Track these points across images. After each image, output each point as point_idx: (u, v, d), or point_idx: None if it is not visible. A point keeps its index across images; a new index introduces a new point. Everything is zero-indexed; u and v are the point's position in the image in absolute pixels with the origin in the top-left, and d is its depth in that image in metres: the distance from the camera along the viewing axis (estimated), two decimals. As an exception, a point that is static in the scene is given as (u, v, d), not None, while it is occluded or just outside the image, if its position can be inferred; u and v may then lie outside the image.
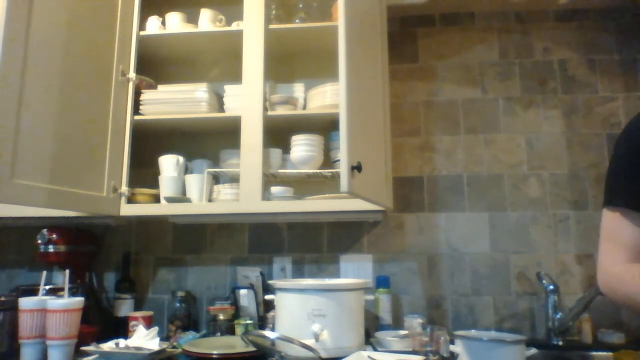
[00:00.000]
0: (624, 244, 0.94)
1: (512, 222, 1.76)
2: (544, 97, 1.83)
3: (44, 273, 1.41)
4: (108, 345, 1.36)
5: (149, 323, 1.56)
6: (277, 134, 1.78)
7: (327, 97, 1.65)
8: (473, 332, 1.29)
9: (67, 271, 1.39)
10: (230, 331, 1.56)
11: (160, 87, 1.74)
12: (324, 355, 1.22)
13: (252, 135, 1.59)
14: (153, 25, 1.80)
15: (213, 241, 1.86)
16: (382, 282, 1.67)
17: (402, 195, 1.81)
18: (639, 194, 0.94)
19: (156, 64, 1.94)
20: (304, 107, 1.73)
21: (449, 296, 1.74)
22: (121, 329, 1.64)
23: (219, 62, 1.95)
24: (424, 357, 1.25)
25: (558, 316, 1.56)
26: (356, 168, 1.13)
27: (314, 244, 1.82)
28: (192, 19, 1.81)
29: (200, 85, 1.71)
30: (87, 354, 1.32)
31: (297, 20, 1.77)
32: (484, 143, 1.82)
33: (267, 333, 1.21)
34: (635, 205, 0.94)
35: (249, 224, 1.85)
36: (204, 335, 1.57)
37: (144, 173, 1.83)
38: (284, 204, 1.56)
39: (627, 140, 0.98)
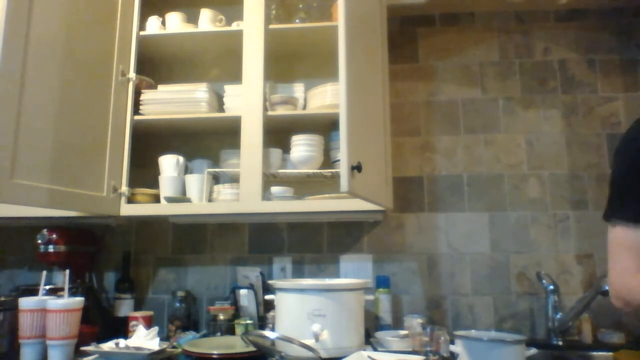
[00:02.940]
0: (633, 256, 0.95)
1: (512, 222, 1.76)
2: (544, 97, 1.83)
3: (44, 273, 1.41)
4: (108, 345, 1.36)
5: (149, 323, 1.56)
6: (277, 134, 1.78)
7: (327, 97, 1.65)
8: (473, 332, 1.29)
9: (67, 271, 1.39)
10: (230, 331, 1.56)
11: (160, 87, 1.74)
12: (324, 355, 1.22)
13: (252, 135, 1.59)
14: (153, 25, 1.80)
15: (213, 241, 1.86)
16: (382, 282, 1.67)
17: (402, 195, 1.81)
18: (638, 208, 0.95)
19: (156, 64, 1.94)
20: (304, 107, 1.73)
21: (449, 296, 1.74)
22: (121, 329, 1.64)
23: (219, 62, 1.95)
24: (424, 357, 1.25)
25: (558, 316, 1.56)
26: (356, 168, 1.13)
27: (314, 244, 1.82)
28: (192, 19, 1.81)
29: (200, 85, 1.71)
30: (87, 354, 1.32)
31: (297, 20, 1.77)
32: (484, 143, 1.82)
33: (267, 333, 1.21)
34: (635, 220, 0.95)
35: (249, 224, 1.85)
36: (204, 335, 1.57)
37: (144, 173, 1.83)
38: (284, 204, 1.56)
39: (626, 154, 0.99)
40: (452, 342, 1.25)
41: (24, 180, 1.21)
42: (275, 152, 1.68)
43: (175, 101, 1.70)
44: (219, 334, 1.55)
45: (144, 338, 1.40)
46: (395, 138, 1.83)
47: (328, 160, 1.73)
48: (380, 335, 1.49)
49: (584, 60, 1.84)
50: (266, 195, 1.63)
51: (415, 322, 1.53)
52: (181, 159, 1.71)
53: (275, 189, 1.64)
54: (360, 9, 1.34)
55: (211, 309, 1.60)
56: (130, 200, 1.63)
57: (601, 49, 1.84)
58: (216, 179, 1.76)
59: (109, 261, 1.87)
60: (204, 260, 1.85)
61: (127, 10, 1.69)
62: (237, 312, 1.64)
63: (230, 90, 1.72)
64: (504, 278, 1.73)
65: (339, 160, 1.59)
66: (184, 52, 1.89)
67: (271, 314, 1.52)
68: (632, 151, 0.98)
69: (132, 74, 1.68)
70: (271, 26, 1.69)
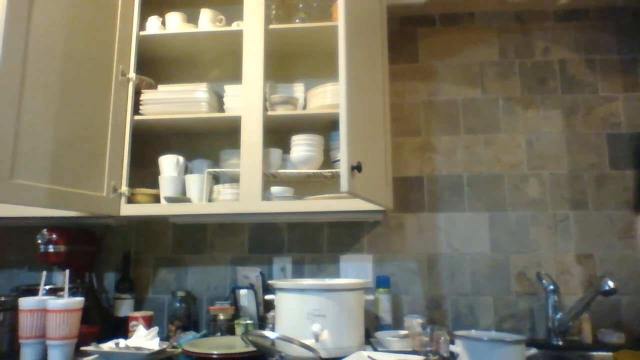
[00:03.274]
0: None
1: (512, 222, 1.76)
2: (544, 97, 1.83)
3: (44, 273, 1.41)
4: (108, 345, 1.36)
5: (149, 323, 1.56)
6: (277, 134, 1.78)
7: (327, 97, 1.65)
8: (473, 332, 1.29)
9: (67, 271, 1.39)
10: (230, 331, 1.56)
11: (160, 87, 1.74)
12: (324, 355, 1.22)
13: (252, 135, 1.59)
14: (153, 25, 1.80)
15: (213, 241, 1.86)
16: (382, 282, 1.67)
17: (402, 195, 1.81)
18: None
19: (156, 64, 1.94)
20: (304, 107, 1.73)
21: (449, 296, 1.74)
22: (121, 329, 1.64)
23: (219, 62, 1.95)
24: (424, 357, 1.25)
25: (558, 316, 1.56)
26: (356, 168, 1.13)
27: (314, 244, 1.82)
28: (192, 19, 1.81)
29: (200, 85, 1.71)
30: (87, 354, 1.32)
31: (297, 20, 1.77)
32: (484, 143, 1.82)
33: (267, 333, 1.22)
34: None
35: (249, 224, 1.85)
36: (204, 335, 1.57)
37: (144, 173, 1.83)
38: (284, 204, 1.56)
39: None
40: (452, 342, 1.25)
41: (24, 180, 1.21)
42: (275, 152, 1.68)
43: (175, 101, 1.70)
44: (219, 334, 1.55)
45: (144, 338, 1.40)
46: (395, 138, 1.83)
47: (328, 160, 1.73)
48: (380, 335, 1.49)
49: (584, 60, 1.84)
50: (266, 195, 1.63)
51: (415, 322, 1.53)
52: (181, 159, 1.71)
53: (275, 189, 1.64)
54: (360, 9, 1.34)
55: (211, 309, 1.60)
56: (130, 200, 1.63)
57: (601, 49, 1.84)
58: (216, 179, 1.76)
59: (109, 261, 1.87)
60: (204, 260, 1.85)
61: (127, 10, 1.69)
62: (237, 312, 1.64)
63: (230, 90, 1.72)
64: (504, 278, 1.73)
65: (339, 160, 1.59)
66: (184, 52, 1.89)
67: (271, 314, 1.52)
68: None
69: (132, 74, 1.68)
70: (271, 26, 1.69)
